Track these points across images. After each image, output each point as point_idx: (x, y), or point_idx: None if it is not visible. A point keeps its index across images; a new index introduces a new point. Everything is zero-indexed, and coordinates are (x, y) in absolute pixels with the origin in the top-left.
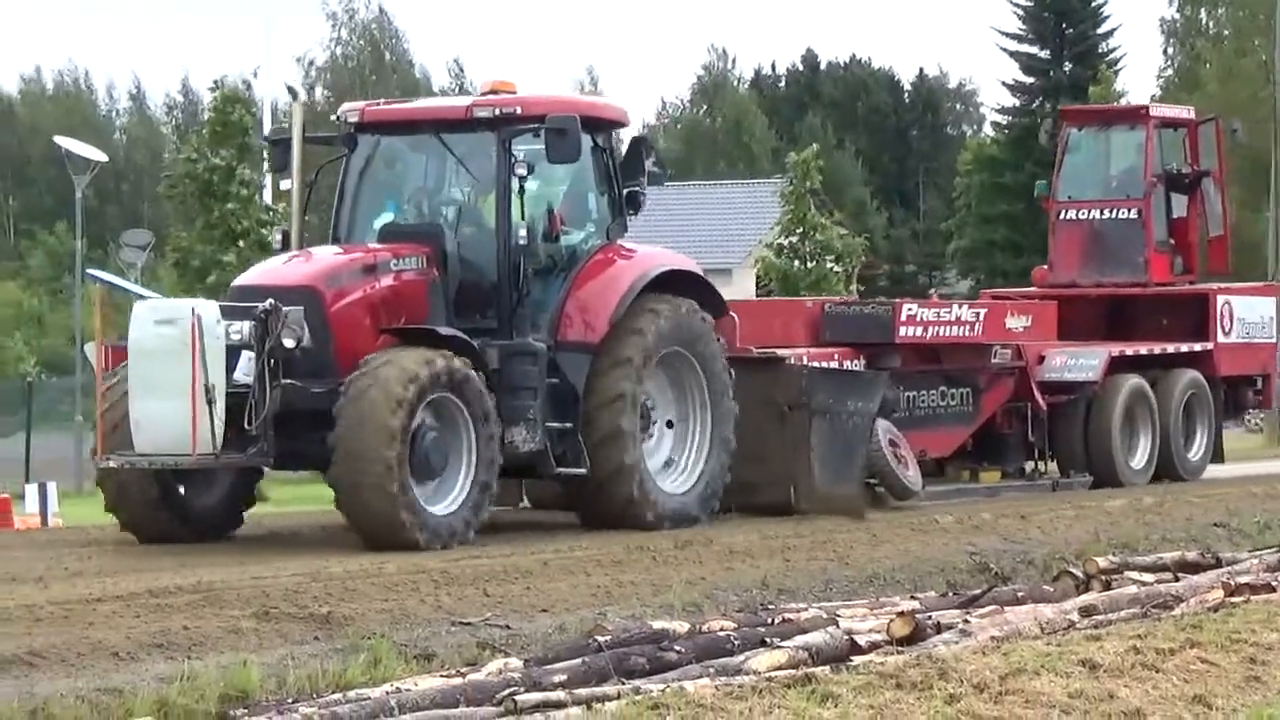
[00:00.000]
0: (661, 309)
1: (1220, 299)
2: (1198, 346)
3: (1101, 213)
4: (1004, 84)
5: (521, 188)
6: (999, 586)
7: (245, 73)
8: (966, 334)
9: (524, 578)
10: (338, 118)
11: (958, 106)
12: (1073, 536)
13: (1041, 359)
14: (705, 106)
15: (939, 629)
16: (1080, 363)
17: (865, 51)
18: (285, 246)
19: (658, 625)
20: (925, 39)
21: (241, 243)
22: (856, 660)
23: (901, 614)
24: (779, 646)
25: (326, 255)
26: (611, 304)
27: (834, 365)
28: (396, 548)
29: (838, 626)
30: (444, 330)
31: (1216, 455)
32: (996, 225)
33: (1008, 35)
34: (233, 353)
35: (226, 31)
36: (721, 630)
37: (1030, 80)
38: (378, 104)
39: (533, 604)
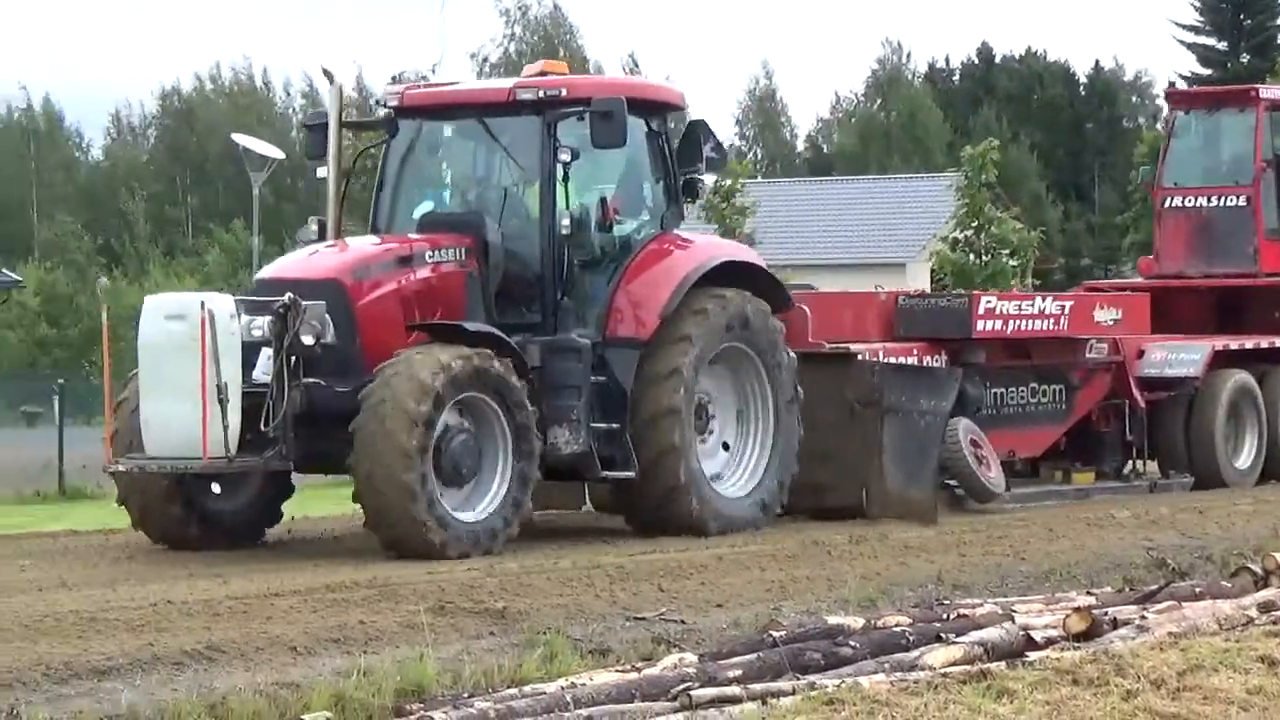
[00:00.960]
0: (713, 306)
1: None
2: None
3: (1209, 200)
4: (1181, 76)
5: (566, 174)
6: (1176, 582)
7: (422, 69)
8: (1052, 328)
9: (698, 573)
10: (379, 101)
11: (1134, 99)
12: (1251, 532)
13: (1141, 353)
14: (880, 100)
15: (1115, 625)
16: (1181, 357)
17: (1040, 44)
18: (322, 237)
19: (832, 620)
20: (1101, 31)
21: None
22: (1032, 656)
23: (1078, 610)
24: (954, 642)
25: (358, 246)
26: (663, 298)
27: (910, 361)
28: (413, 552)
29: (1013, 622)
30: (472, 326)
31: None
32: None
33: (1184, 27)
34: (254, 350)
35: (399, 28)
36: (896, 626)
37: (1207, 72)
38: (419, 86)
39: (707, 599)
